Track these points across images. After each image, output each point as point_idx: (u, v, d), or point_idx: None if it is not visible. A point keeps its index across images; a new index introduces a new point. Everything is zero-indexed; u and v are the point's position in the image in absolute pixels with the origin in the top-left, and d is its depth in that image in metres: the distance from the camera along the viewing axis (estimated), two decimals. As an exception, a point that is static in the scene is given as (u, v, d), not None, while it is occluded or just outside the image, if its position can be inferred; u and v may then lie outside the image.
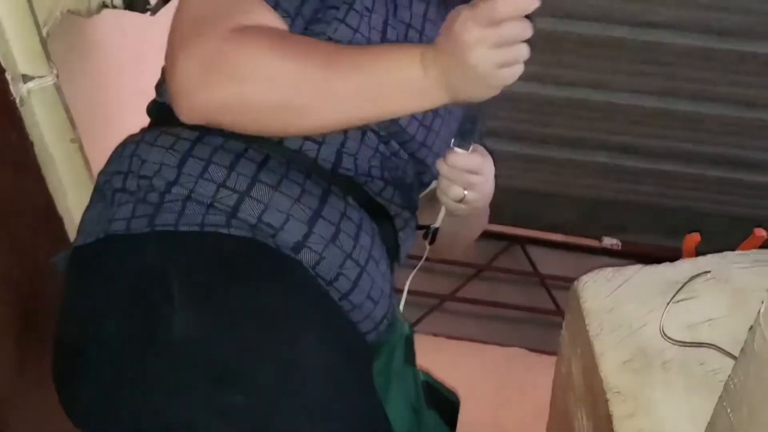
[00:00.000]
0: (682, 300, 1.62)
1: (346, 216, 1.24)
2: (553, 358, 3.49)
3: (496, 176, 1.42)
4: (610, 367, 1.58)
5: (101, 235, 1.17)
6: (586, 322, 1.65)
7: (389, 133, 1.31)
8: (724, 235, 3.53)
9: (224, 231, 1.15)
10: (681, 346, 1.48)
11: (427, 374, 1.51)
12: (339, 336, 1.18)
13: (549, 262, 3.68)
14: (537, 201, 3.60)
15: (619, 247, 3.65)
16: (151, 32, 1.93)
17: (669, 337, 1.47)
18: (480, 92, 1.14)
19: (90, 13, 1.69)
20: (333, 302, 1.20)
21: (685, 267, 1.69)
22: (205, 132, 1.22)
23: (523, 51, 1.08)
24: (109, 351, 1.11)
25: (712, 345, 1.43)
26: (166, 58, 1.20)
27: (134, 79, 1.32)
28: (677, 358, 1.55)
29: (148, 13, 1.75)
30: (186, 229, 1.14)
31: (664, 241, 3.65)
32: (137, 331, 1.09)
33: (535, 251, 3.74)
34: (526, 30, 1.07)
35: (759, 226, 2.90)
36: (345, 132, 1.26)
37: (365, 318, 1.26)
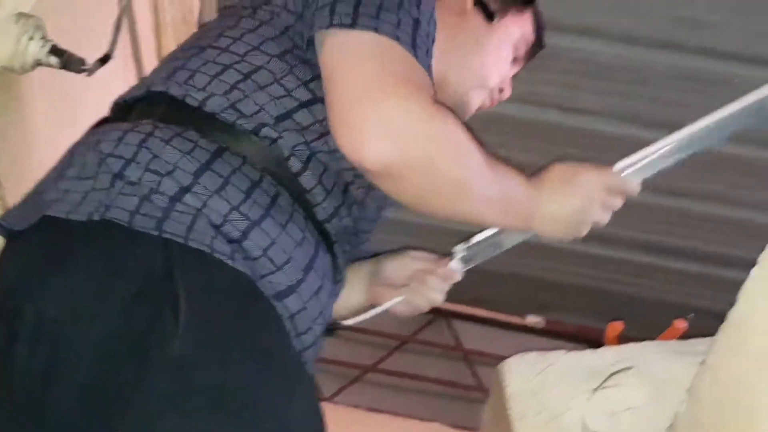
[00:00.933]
0: (604, 388, 1.64)
1: (327, 274, 1.26)
2: (473, 435, 3.50)
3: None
4: (532, 452, 1.59)
5: (95, 217, 1.11)
6: (509, 405, 1.66)
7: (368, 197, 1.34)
8: (646, 319, 3.62)
9: (228, 262, 1.12)
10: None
11: None
12: (314, 391, 1.20)
13: (473, 337, 3.71)
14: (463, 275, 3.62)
15: (543, 325, 3.69)
16: (86, 93, 1.92)
17: (591, 431, 1.49)
18: (559, 235, 1.38)
19: (24, 70, 1.67)
20: (302, 357, 1.22)
21: (607, 355, 1.71)
22: (224, 149, 1.20)
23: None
24: (96, 345, 1.05)
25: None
26: (352, 95, 1.16)
27: (67, 139, 1.30)
28: (598, 445, 1.57)
29: (85, 73, 1.74)
30: (195, 246, 1.11)
31: (587, 321, 3.71)
32: (134, 334, 1.04)
33: (459, 325, 3.75)
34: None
35: (681, 313, 2.99)
36: (345, 193, 1.29)
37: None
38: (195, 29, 2.31)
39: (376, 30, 1.19)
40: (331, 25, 1.20)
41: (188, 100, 1.23)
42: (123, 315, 1.05)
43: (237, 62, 1.26)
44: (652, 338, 3.03)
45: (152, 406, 1.01)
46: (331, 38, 1.21)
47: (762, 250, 3.23)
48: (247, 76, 1.24)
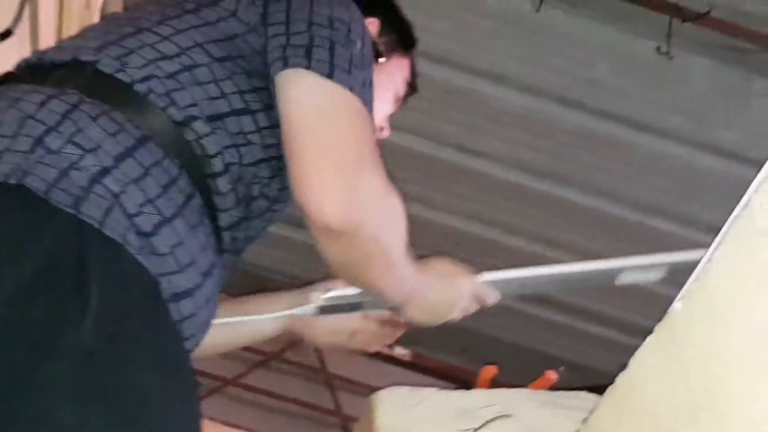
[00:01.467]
0: (470, 429, 1.66)
1: (220, 283, 1.24)
2: (326, 459, 3.51)
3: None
4: (394, 486, 1.59)
5: (12, 180, 1.06)
6: (377, 437, 1.66)
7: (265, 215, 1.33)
8: (514, 365, 3.69)
9: (139, 258, 1.09)
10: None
11: None
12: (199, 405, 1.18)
13: (337, 362, 3.70)
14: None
15: (409, 358, 3.72)
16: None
17: None
18: (420, 318, 1.45)
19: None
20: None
21: (479, 397, 1.73)
22: (148, 138, 1.16)
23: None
24: None
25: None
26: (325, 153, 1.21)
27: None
28: (459, 487, 1.58)
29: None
30: (110, 234, 1.07)
31: (454, 360, 3.75)
32: (35, 316, 0.99)
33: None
34: None
35: (550, 364, 3.04)
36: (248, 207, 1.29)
37: None
38: (98, 15, 2.26)
39: (351, 89, 1.22)
40: (309, 67, 1.21)
41: (120, 76, 1.19)
42: (27, 293, 1.01)
43: (178, 54, 1.23)
44: (520, 385, 3.10)
45: (49, 397, 0.96)
46: (307, 81, 1.22)
47: (646, 317, 3.35)
48: (186, 69, 1.22)
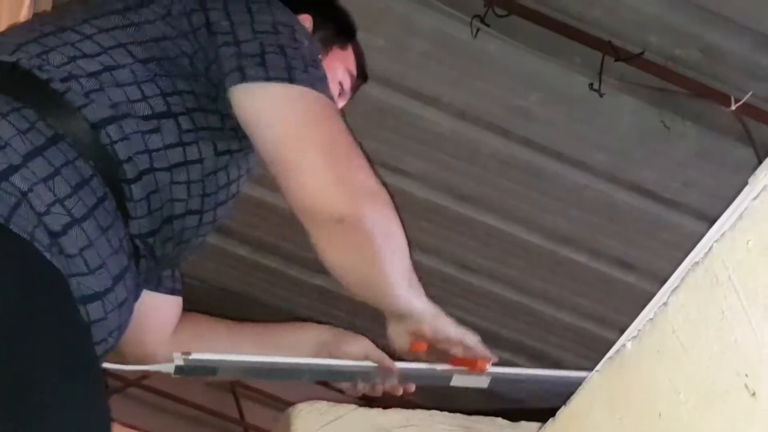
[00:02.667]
0: (386, 447, 1.66)
1: (139, 287, 1.23)
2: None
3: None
4: (306, 500, 1.59)
5: None
6: (293, 450, 1.65)
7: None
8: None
9: (47, 255, 1.07)
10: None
11: None
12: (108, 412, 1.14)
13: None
14: (246, 305, 3.60)
15: (315, 370, 3.69)
16: None
17: None
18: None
19: None
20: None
21: (395, 417, 1.73)
22: (60, 137, 1.14)
23: None
24: None
25: None
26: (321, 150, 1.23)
27: None
28: (369, 504, 1.58)
29: None
30: (16, 230, 1.06)
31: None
32: None
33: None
34: None
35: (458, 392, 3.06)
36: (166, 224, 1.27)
37: None
38: (30, 12, 2.21)
39: (313, 87, 1.24)
40: (268, 78, 1.23)
41: (38, 73, 1.18)
42: None
43: (99, 53, 1.22)
44: (416, 401, 3.12)
45: None
46: (270, 91, 1.24)
47: (555, 347, 3.39)
48: (107, 69, 1.21)
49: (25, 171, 1.09)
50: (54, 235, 1.10)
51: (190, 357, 1.44)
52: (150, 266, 1.31)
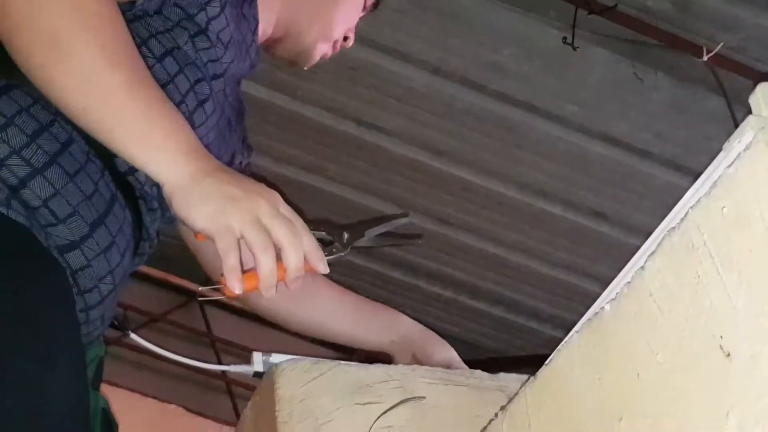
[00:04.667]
0: (368, 403, 1.69)
1: (123, 230, 1.18)
2: (208, 422, 3.51)
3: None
4: (291, 456, 1.61)
5: None
6: (277, 408, 1.67)
7: None
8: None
9: (2, 209, 1.04)
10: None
11: (105, 400, 1.45)
12: (80, 361, 1.11)
13: (223, 325, 3.69)
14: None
15: (294, 325, 3.72)
16: None
17: None
18: (195, 213, 1.10)
19: None
20: (77, 322, 1.13)
21: (376, 372, 1.76)
22: (14, 86, 1.11)
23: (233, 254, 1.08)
24: None
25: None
26: None
27: None
28: (354, 459, 1.61)
29: None
30: None
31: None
32: None
33: (212, 312, 3.73)
34: (267, 258, 1.09)
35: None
36: None
37: (90, 331, 1.20)
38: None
39: None
40: None
41: None
42: None
43: None
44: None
45: None
46: None
47: (530, 296, 3.43)
48: None
49: None
50: (12, 189, 1.06)
51: (270, 359, 1.46)
52: (153, 207, 1.26)
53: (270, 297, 1.15)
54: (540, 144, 2.82)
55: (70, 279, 1.12)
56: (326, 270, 1.18)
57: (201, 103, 1.30)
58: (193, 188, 1.09)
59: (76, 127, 1.13)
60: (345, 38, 1.59)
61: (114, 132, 1.09)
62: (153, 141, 1.10)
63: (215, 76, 1.34)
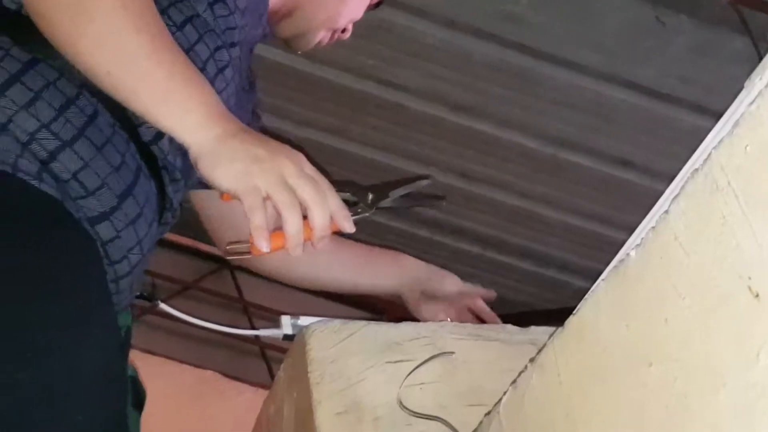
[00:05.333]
0: (398, 361, 1.70)
1: (149, 200, 1.20)
2: (245, 386, 3.54)
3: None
4: (325, 416, 1.62)
5: None
6: (309, 369, 1.68)
7: None
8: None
9: (34, 183, 1.05)
10: (415, 416, 1.54)
11: (133, 369, 1.47)
12: (115, 332, 1.13)
13: (255, 291, 3.70)
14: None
15: (325, 287, 3.74)
16: None
17: (405, 407, 1.54)
18: (221, 173, 1.10)
19: None
20: (110, 292, 1.15)
21: (406, 330, 1.76)
22: (39, 60, 1.11)
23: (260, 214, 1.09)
24: None
25: (441, 419, 1.50)
26: None
27: None
28: (387, 416, 1.62)
29: None
30: None
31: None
32: None
33: (243, 278, 3.74)
34: (294, 217, 1.10)
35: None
36: None
37: (120, 300, 1.21)
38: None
39: None
40: None
41: (6, 3, 1.15)
42: None
43: None
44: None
45: None
46: None
47: (556, 248, 3.42)
48: None
49: (3, 101, 1.07)
50: (43, 162, 1.07)
51: (299, 322, 1.48)
52: (176, 178, 1.28)
53: (297, 256, 1.15)
54: (561, 93, 2.78)
55: (101, 250, 1.13)
56: (352, 229, 1.18)
57: (221, 70, 1.30)
58: (219, 149, 1.10)
59: (101, 100, 1.14)
60: (344, 30, 1.58)
61: (139, 95, 1.09)
62: (178, 103, 1.11)
63: (233, 44, 1.34)
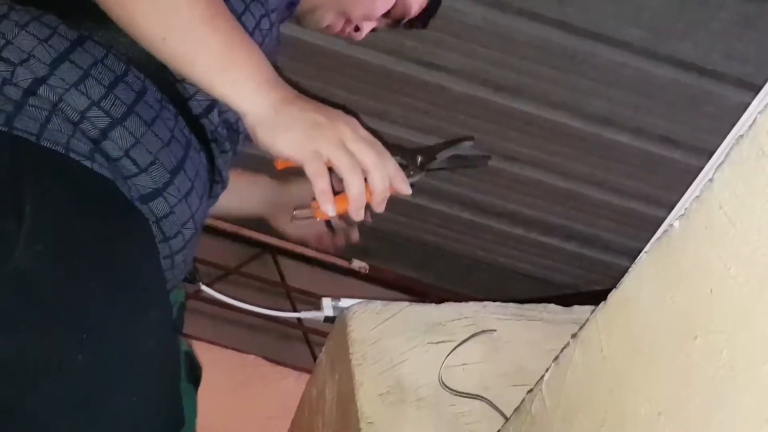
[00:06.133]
0: (441, 342, 1.69)
1: (199, 173, 1.20)
2: (288, 370, 3.56)
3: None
4: (367, 398, 1.62)
5: None
6: (351, 351, 1.68)
7: None
8: (471, 276, 3.74)
9: (87, 164, 1.04)
10: (458, 396, 1.54)
11: (188, 345, 1.47)
12: (169, 312, 1.14)
13: (297, 275, 3.72)
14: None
15: (367, 271, 3.75)
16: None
17: (447, 387, 1.53)
18: (282, 140, 1.13)
19: None
20: (163, 272, 1.15)
21: (448, 311, 1.76)
22: (86, 37, 1.11)
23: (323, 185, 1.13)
24: None
25: (484, 398, 1.50)
26: None
27: None
28: (430, 397, 1.62)
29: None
30: (48, 145, 1.03)
31: (409, 272, 3.80)
32: None
33: (285, 262, 3.75)
34: (357, 180, 1.13)
35: (498, 273, 3.06)
36: None
37: (175, 275, 1.22)
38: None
39: None
40: None
41: None
42: None
43: None
44: (468, 294, 3.15)
45: None
46: None
47: (604, 229, 3.38)
48: None
49: (53, 80, 1.07)
50: (94, 141, 1.07)
51: (340, 304, 1.50)
52: (225, 149, 1.28)
53: (359, 219, 1.19)
54: (604, 71, 2.74)
55: (155, 227, 1.14)
56: (410, 191, 1.20)
57: (264, 38, 1.30)
58: (277, 116, 1.12)
59: (148, 75, 1.14)
60: (357, 29, 1.57)
61: (196, 63, 1.11)
62: (236, 71, 1.12)
63: (273, 10, 1.34)
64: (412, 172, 1.36)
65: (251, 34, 1.25)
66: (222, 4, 1.14)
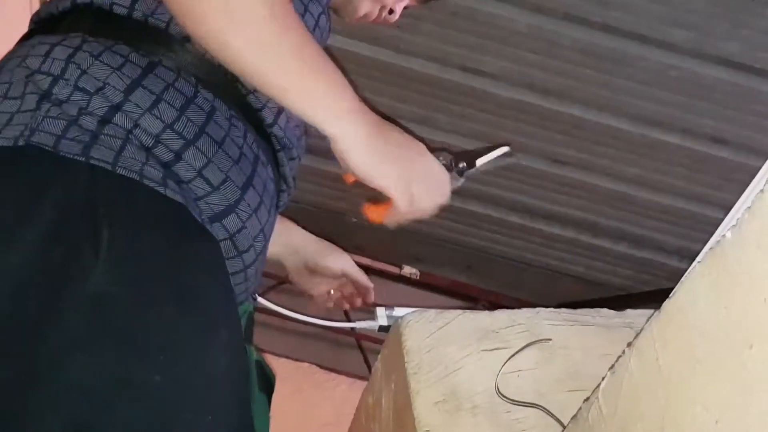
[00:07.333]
0: (494, 349, 1.70)
1: (267, 187, 1.24)
2: (341, 377, 3.58)
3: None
4: (424, 406, 1.64)
5: (20, 142, 1.05)
6: (406, 359, 1.70)
7: None
8: (521, 280, 3.74)
9: (160, 189, 1.08)
10: (514, 404, 1.55)
11: (258, 353, 1.50)
12: (239, 331, 1.17)
13: (350, 284, 3.73)
14: (344, 223, 3.66)
15: (418, 277, 3.76)
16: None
17: (504, 396, 1.54)
18: (378, 171, 1.22)
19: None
20: (233, 292, 1.19)
21: (501, 317, 1.77)
22: (156, 63, 1.15)
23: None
24: (12, 276, 0.97)
25: (540, 406, 1.51)
26: None
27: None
28: (486, 404, 1.63)
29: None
30: (123, 173, 1.06)
31: (458, 276, 3.80)
32: (51, 267, 0.98)
33: (336, 271, 3.77)
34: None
35: (550, 275, 3.03)
36: None
37: (248, 288, 1.27)
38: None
39: None
40: None
41: (115, 9, 1.18)
42: (41, 246, 0.99)
43: None
44: (530, 303, 3.14)
45: (62, 345, 0.94)
46: None
47: (650, 229, 3.37)
48: None
49: (128, 105, 1.10)
50: (167, 166, 1.10)
51: (394, 313, 1.54)
52: (293, 156, 1.32)
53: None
54: (651, 73, 2.74)
55: (229, 242, 1.18)
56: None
57: (322, 34, 1.35)
58: (372, 147, 1.19)
59: (216, 95, 1.18)
60: (391, 11, 1.58)
61: (289, 93, 1.14)
62: (325, 98, 1.16)
63: (328, 6, 1.39)
64: (453, 179, 1.43)
65: (312, 32, 1.27)
66: (304, 28, 1.16)
